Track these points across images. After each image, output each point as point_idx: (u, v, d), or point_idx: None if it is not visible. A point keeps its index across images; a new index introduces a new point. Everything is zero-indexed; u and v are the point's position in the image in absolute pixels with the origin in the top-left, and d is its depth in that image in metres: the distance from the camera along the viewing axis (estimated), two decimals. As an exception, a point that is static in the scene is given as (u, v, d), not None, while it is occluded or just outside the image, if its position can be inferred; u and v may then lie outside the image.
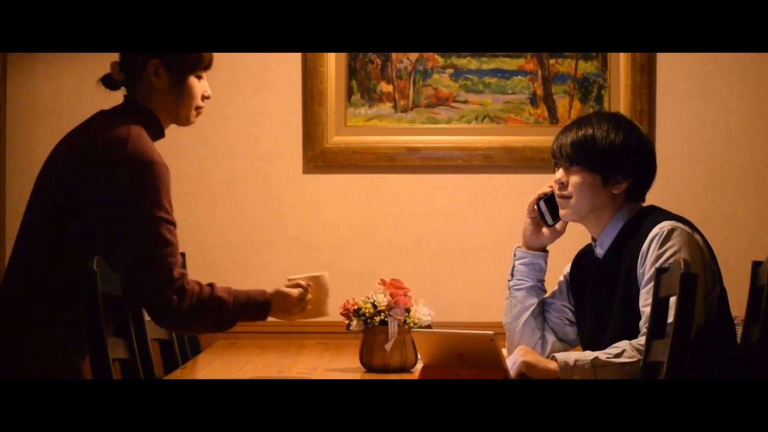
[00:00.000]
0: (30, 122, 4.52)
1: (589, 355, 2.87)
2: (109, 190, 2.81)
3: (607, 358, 2.85)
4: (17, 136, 4.52)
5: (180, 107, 2.99)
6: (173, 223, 2.86)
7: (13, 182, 4.52)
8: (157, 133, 2.99)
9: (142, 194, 2.81)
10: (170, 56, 2.95)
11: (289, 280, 3.07)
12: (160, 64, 2.95)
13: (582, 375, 2.83)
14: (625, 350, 2.85)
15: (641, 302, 2.94)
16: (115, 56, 3.05)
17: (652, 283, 2.88)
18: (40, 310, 2.83)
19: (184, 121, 3.02)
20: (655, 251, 2.94)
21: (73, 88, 4.52)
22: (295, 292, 3.01)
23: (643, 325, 2.90)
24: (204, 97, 3.02)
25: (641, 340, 2.86)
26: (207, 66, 3.02)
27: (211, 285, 2.90)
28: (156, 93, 2.97)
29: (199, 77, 3.00)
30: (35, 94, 4.53)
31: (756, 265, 3.18)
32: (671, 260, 2.89)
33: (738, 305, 3.32)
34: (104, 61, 4.82)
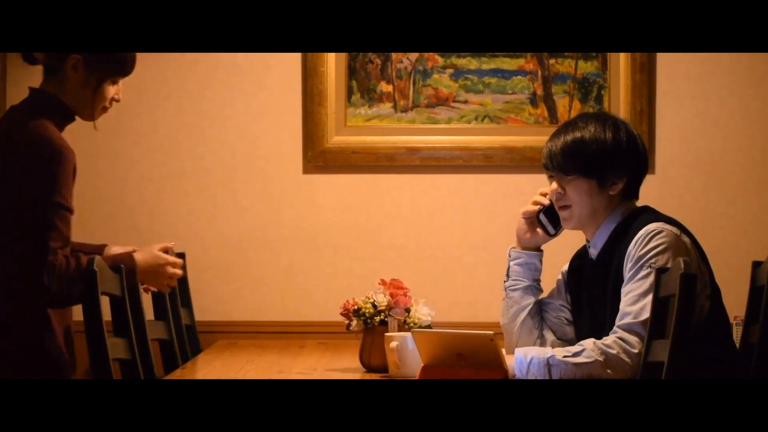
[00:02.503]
0: (30, 122, 4.52)
1: (547, 352, 2.88)
2: (8, 174, 2.87)
3: (564, 356, 2.86)
4: (17, 136, 4.51)
5: (87, 105, 3.04)
6: (67, 209, 2.89)
7: (13, 182, 4.52)
8: (67, 119, 3.05)
9: (36, 178, 2.86)
10: (93, 57, 3.00)
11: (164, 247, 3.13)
12: (81, 61, 3.01)
13: (537, 372, 2.85)
14: (584, 350, 2.86)
15: (621, 301, 2.94)
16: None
17: (631, 283, 2.90)
18: None
19: (87, 117, 3.07)
20: (638, 251, 2.95)
21: (73, 88, 4.52)
22: (167, 256, 3.08)
23: (618, 321, 2.91)
24: (113, 100, 3.08)
25: (608, 339, 2.87)
26: (127, 73, 3.08)
27: (77, 256, 2.91)
28: (69, 84, 3.02)
29: (115, 82, 3.06)
30: (35, 94, 4.52)
31: (756, 265, 3.18)
32: (654, 261, 2.90)
33: (738, 305, 3.32)
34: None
